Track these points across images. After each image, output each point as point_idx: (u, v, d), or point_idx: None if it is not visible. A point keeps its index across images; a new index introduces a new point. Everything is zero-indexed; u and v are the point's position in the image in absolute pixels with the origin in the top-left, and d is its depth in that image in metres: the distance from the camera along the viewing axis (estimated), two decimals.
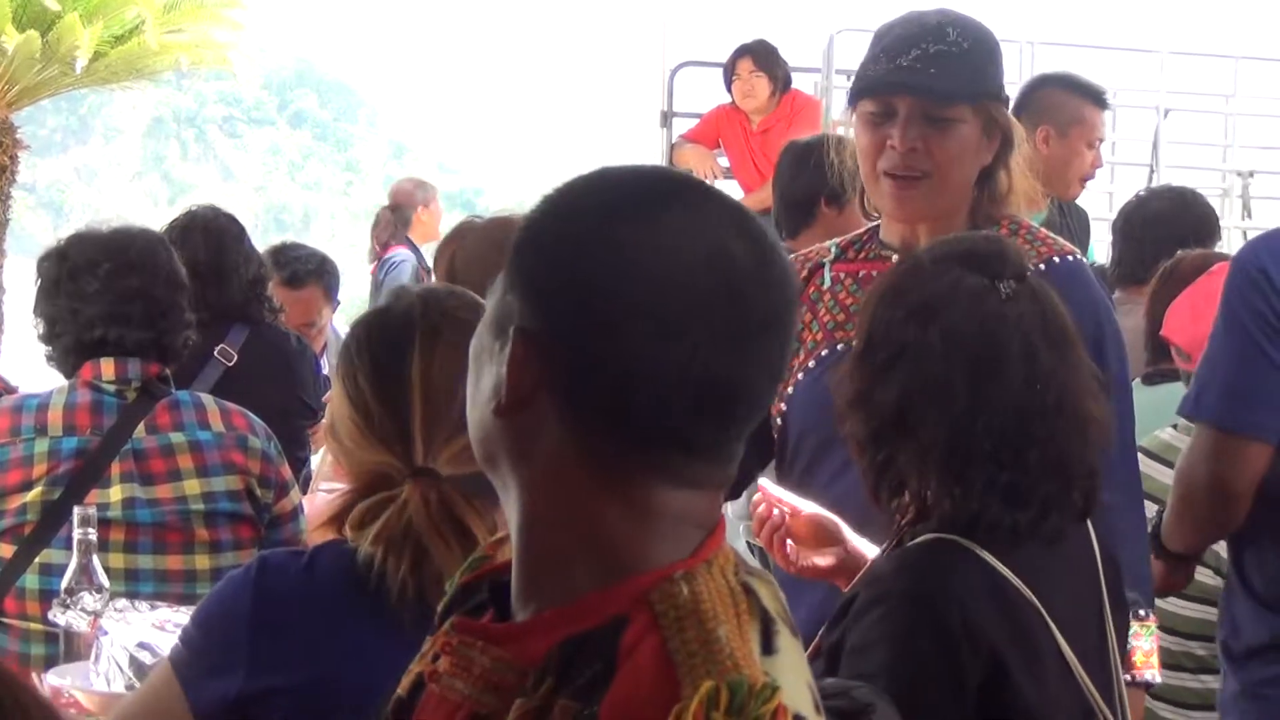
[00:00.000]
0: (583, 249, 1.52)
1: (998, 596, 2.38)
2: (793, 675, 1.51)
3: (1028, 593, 2.39)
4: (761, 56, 8.65)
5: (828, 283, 3.13)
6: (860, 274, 3.08)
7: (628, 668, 1.48)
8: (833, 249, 3.17)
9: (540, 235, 1.55)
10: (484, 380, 1.57)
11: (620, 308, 1.49)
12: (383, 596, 2.25)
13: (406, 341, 2.33)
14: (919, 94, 2.99)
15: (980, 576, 2.38)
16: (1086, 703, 2.46)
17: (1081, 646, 2.48)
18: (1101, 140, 5.57)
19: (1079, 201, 5.81)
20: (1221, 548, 3.54)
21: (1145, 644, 2.98)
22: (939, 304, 2.46)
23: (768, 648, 1.52)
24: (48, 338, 3.73)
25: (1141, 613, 2.97)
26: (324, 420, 2.44)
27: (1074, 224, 5.70)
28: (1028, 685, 2.38)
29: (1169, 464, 3.69)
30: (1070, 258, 3.09)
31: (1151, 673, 2.98)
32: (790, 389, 3.09)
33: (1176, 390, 3.88)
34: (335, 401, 2.38)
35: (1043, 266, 3.02)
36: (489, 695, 1.55)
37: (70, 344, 3.68)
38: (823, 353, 3.07)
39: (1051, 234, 3.13)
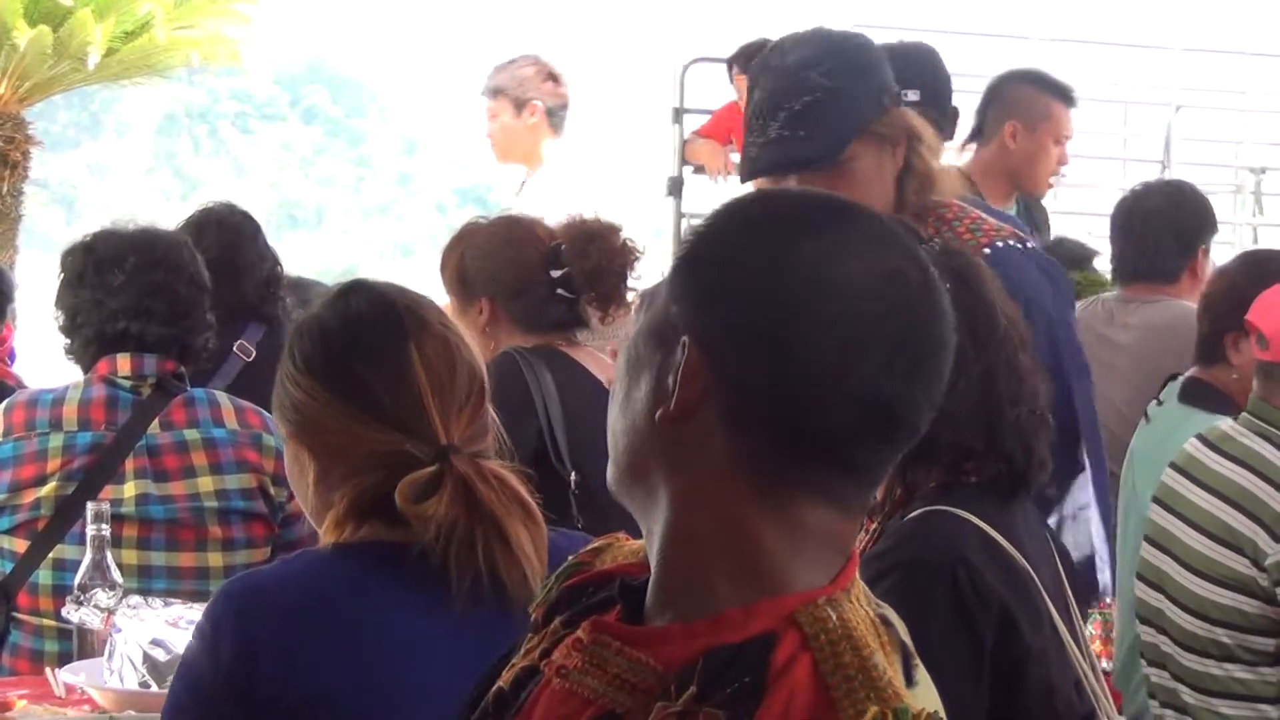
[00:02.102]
0: (763, 260, 1.53)
1: (997, 560, 2.40)
2: (936, 709, 1.53)
3: (1021, 559, 2.41)
4: (739, 60, 8.64)
5: None
6: None
7: (782, 685, 1.49)
8: None
9: (715, 246, 1.57)
10: (639, 390, 1.58)
11: (799, 320, 1.51)
12: (417, 582, 2.25)
13: (399, 331, 2.36)
14: (797, 169, 3.00)
15: (979, 542, 2.40)
16: (1075, 672, 2.48)
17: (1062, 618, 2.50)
18: (1069, 137, 5.53)
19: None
20: (1259, 537, 3.54)
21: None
22: None
23: (909, 680, 1.55)
24: (69, 329, 3.74)
25: None
26: (287, 424, 2.43)
27: (1037, 221, 5.71)
28: (1037, 644, 2.40)
29: (1195, 479, 3.69)
30: (1000, 243, 3.10)
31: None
32: None
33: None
34: (303, 393, 2.37)
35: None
36: (624, 695, 1.56)
37: (92, 335, 3.69)
38: None
39: (978, 221, 3.13)
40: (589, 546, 1.78)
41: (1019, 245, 3.13)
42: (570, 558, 1.76)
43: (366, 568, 2.28)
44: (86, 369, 3.71)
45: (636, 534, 1.68)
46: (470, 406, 2.36)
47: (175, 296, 3.69)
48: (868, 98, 3.04)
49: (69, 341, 3.75)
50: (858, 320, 1.51)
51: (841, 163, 3.01)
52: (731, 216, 1.59)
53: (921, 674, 1.57)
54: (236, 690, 2.21)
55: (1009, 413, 2.48)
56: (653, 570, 1.60)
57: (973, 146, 5.45)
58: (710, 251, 1.57)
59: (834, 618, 1.53)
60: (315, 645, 2.22)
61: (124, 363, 3.67)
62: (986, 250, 3.07)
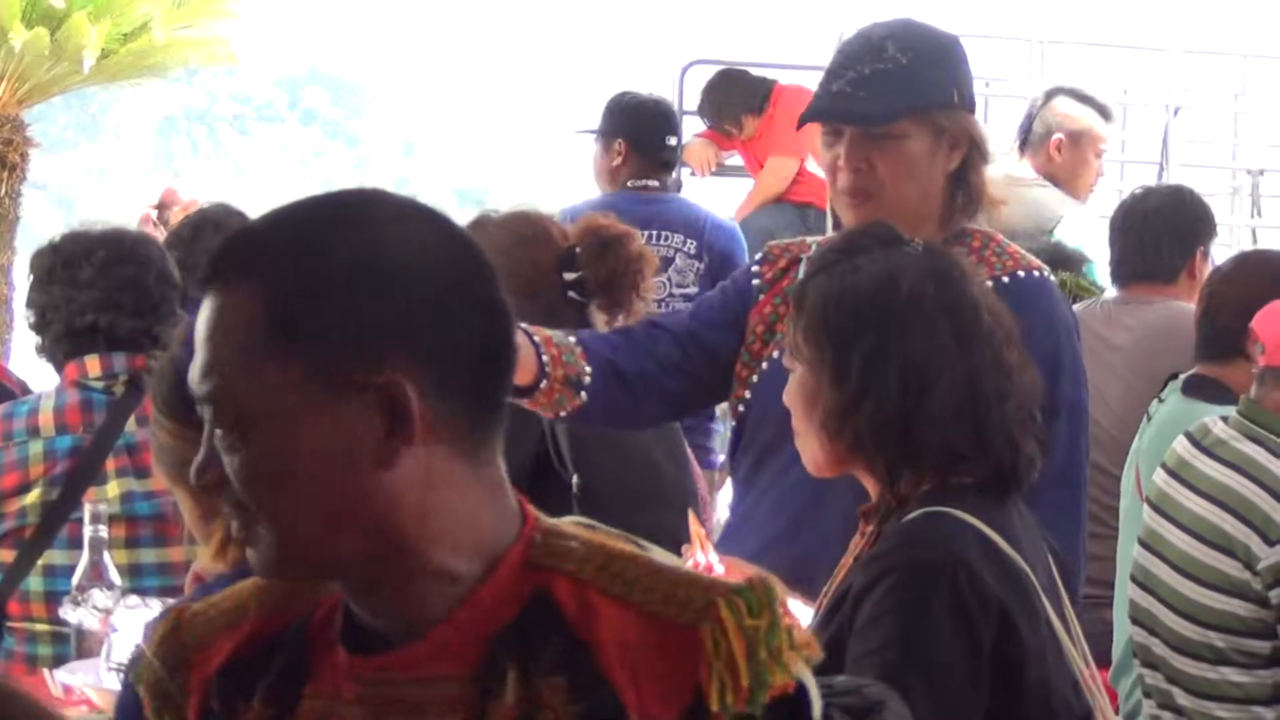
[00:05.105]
0: (360, 283, 1.55)
1: (996, 561, 2.40)
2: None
3: (1019, 560, 2.42)
4: (701, 112, 8.53)
5: (800, 276, 3.16)
6: None
7: (596, 628, 1.53)
8: (814, 246, 3.19)
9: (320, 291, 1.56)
10: (336, 457, 1.55)
11: (394, 301, 1.55)
12: None
13: None
14: (849, 120, 3.04)
15: (978, 543, 2.40)
16: (1072, 673, 2.48)
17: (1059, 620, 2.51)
18: (1105, 151, 6.05)
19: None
20: (1252, 540, 3.54)
21: None
22: (889, 280, 2.50)
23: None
24: (39, 327, 3.73)
25: None
26: (162, 468, 2.45)
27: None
28: (1034, 645, 2.40)
29: (1187, 483, 3.68)
30: (1036, 273, 3.13)
31: None
32: (755, 377, 3.11)
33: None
34: (168, 435, 2.43)
35: (1006, 280, 3.05)
36: (436, 715, 1.56)
37: (61, 331, 3.68)
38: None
39: (1019, 249, 3.16)
40: (159, 634, 1.72)
41: (1044, 276, 3.15)
42: (150, 654, 1.71)
43: None
44: (58, 366, 3.70)
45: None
46: None
47: (143, 290, 3.68)
48: (937, 85, 3.08)
49: (39, 340, 3.74)
50: (436, 288, 1.56)
51: (892, 134, 3.04)
52: (307, 252, 1.58)
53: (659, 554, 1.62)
54: None
55: (996, 410, 2.48)
56: (373, 594, 1.58)
57: (1013, 154, 5.92)
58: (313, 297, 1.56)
59: (575, 545, 1.58)
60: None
61: (93, 364, 3.65)
62: (1006, 279, 3.07)
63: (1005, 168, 6.04)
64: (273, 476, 1.55)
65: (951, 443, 2.46)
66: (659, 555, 1.61)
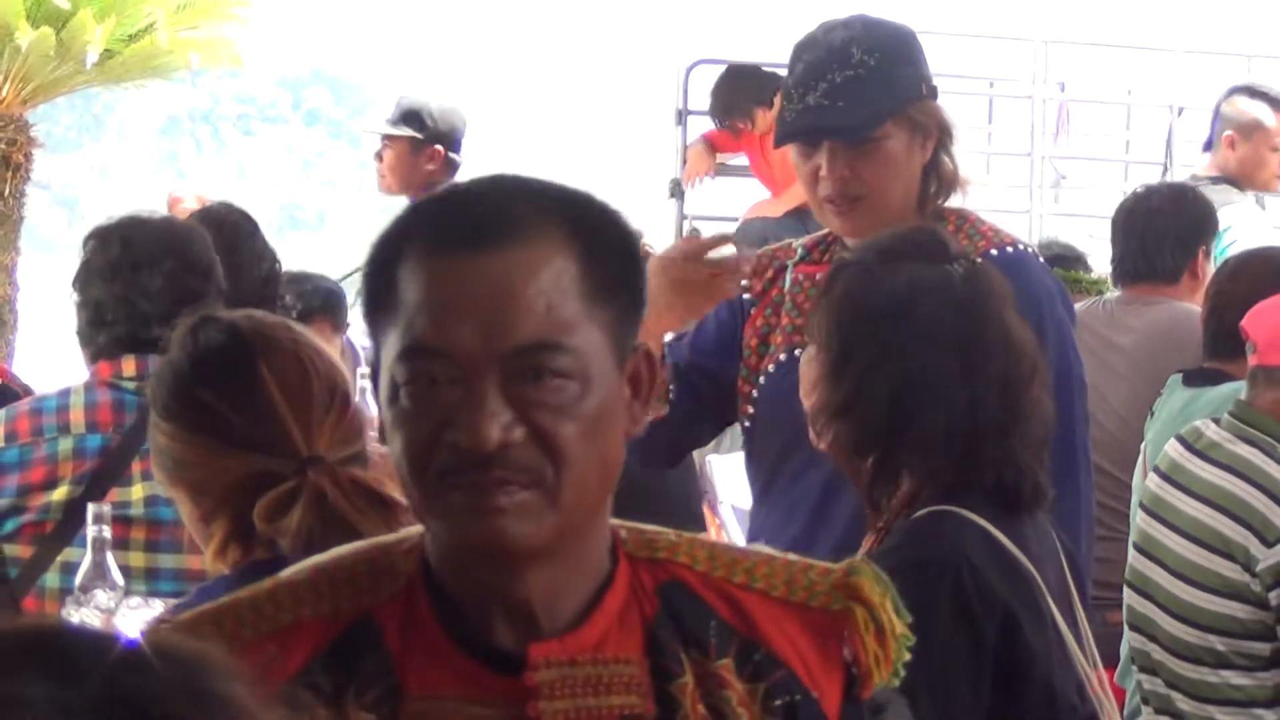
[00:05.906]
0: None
1: (1000, 562, 2.41)
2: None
3: (1025, 561, 2.42)
4: (712, 111, 8.51)
5: (789, 284, 3.16)
6: (818, 276, 3.09)
7: (754, 614, 1.59)
8: (799, 250, 3.20)
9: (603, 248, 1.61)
10: (619, 416, 1.59)
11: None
12: None
13: (247, 353, 2.38)
14: (836, 135, 3.03)
15: (982, 542, 2.40)
16: (1078, 675, 2.48)
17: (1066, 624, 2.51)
18: None
19: None
20: (1250, 542, 3.54)
21: None
22: (909, 298, 2.49)
23: None
24: (95, 322, 3.67)
25: None
26: (160, 471, 2.46)
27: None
28: (1039, 645, 2.40)
29: (1182, 487, 3.68)
30: (1010, 248, 3.12)
31: None
32: (756, 391, 3.12)
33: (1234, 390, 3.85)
34: (166, 437, 2.41)
35: (979, 260, 3.05)
36: (634, 697, 1.58)
37: (122, 334, 3.62)
38: (780, 356, 3.09)
39: (995, 226, 3.17)
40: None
41: (1020, 250, 3.14)
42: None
43: None
44: (93, 358, 3.66)
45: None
46: (334, 414, 2.36)
47: (204, 304, 3.65)
48: (908, 81, 3.08)
49: (91, 332, 3.67)
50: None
51: (873, 139, 3.05)
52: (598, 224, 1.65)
53: None
54: None
55: (992, 445, 2.46)
56: (549, 576, 1.56)
57: (1208, 155, 6.21)
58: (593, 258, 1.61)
59: (667, 538, 1.63)
60: None
61: (128, 364, 3.64)
62: (994, 252, 3.07)
63: (1192, 169, 6.32)
64: (589, 432, 1.54)
65: (935, 471, 2.46)
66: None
